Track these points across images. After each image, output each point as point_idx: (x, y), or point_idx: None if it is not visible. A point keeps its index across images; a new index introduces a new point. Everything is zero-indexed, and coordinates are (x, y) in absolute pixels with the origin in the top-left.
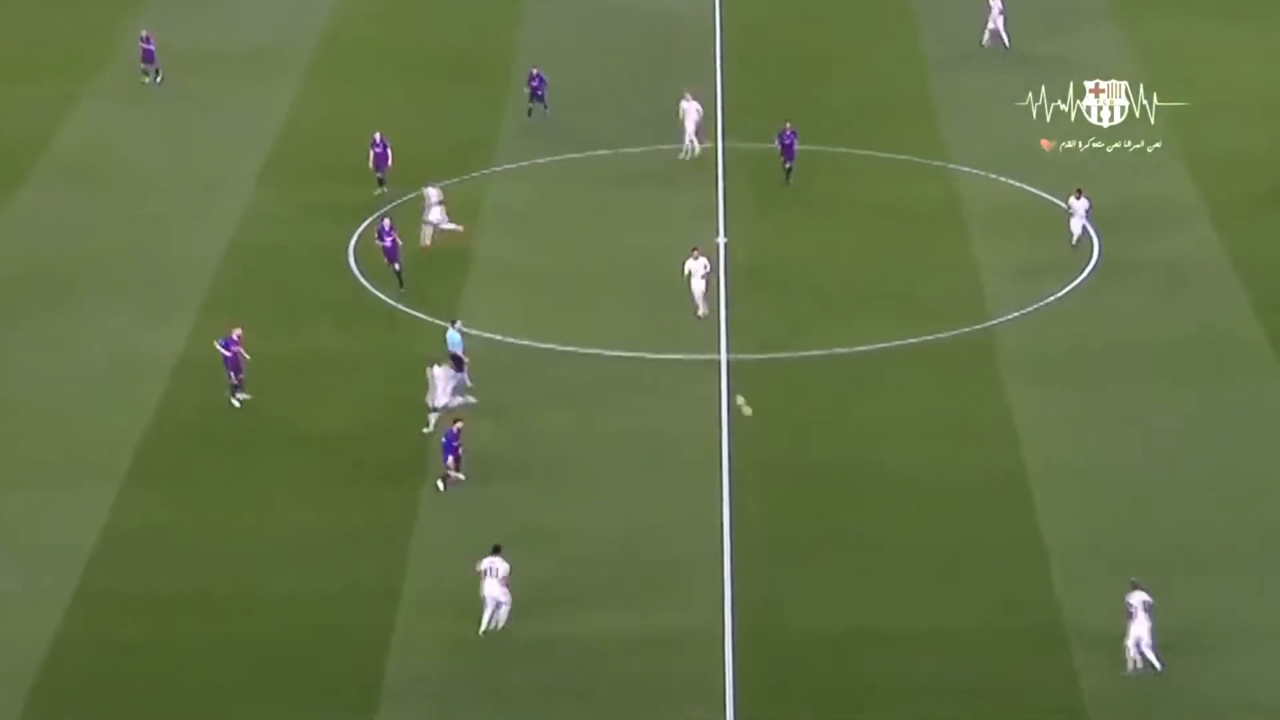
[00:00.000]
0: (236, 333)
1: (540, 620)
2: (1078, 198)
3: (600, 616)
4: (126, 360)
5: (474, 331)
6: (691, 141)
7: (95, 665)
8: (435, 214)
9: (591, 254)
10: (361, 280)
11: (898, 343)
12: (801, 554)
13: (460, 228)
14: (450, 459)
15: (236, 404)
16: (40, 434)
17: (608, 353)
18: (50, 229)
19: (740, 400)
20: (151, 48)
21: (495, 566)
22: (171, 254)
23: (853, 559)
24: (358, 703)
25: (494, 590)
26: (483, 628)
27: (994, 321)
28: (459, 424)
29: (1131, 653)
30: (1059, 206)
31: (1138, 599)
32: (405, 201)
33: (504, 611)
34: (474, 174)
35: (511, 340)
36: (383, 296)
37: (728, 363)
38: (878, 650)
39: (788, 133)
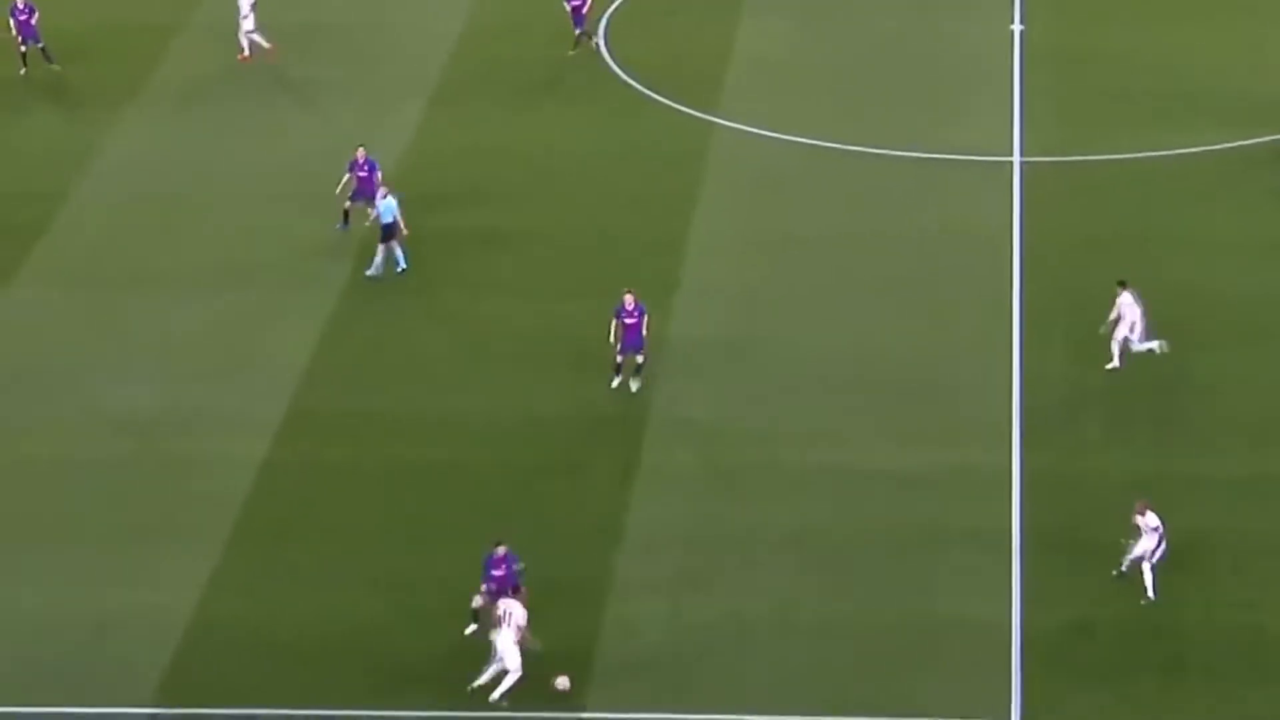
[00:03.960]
0: None
1: (804, 451)
2: None
3: (876, 451)
4: (352, 148)
5: (736, 125)
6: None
7: (302, 489)
8: (249, 24)
9: (866, 40)
10: (613, 67)
11: (1213, 147)
12: (1101, 385)
13: (269, 45)
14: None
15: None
16: (255, 236)
17: (885, 151)
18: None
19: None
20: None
21: (510, 611)
22: (400, 36)
23: (1160, 392)
24: (594, 545)
25: (505, 643)
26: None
27: None
28: (502, 547)
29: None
30: None
31: (1155, 521)
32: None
33: (506, 679)
34: None
35: (776, 136)
36: (637, 85)
37: (1021, 165)
38: (1188, 497)
39: None
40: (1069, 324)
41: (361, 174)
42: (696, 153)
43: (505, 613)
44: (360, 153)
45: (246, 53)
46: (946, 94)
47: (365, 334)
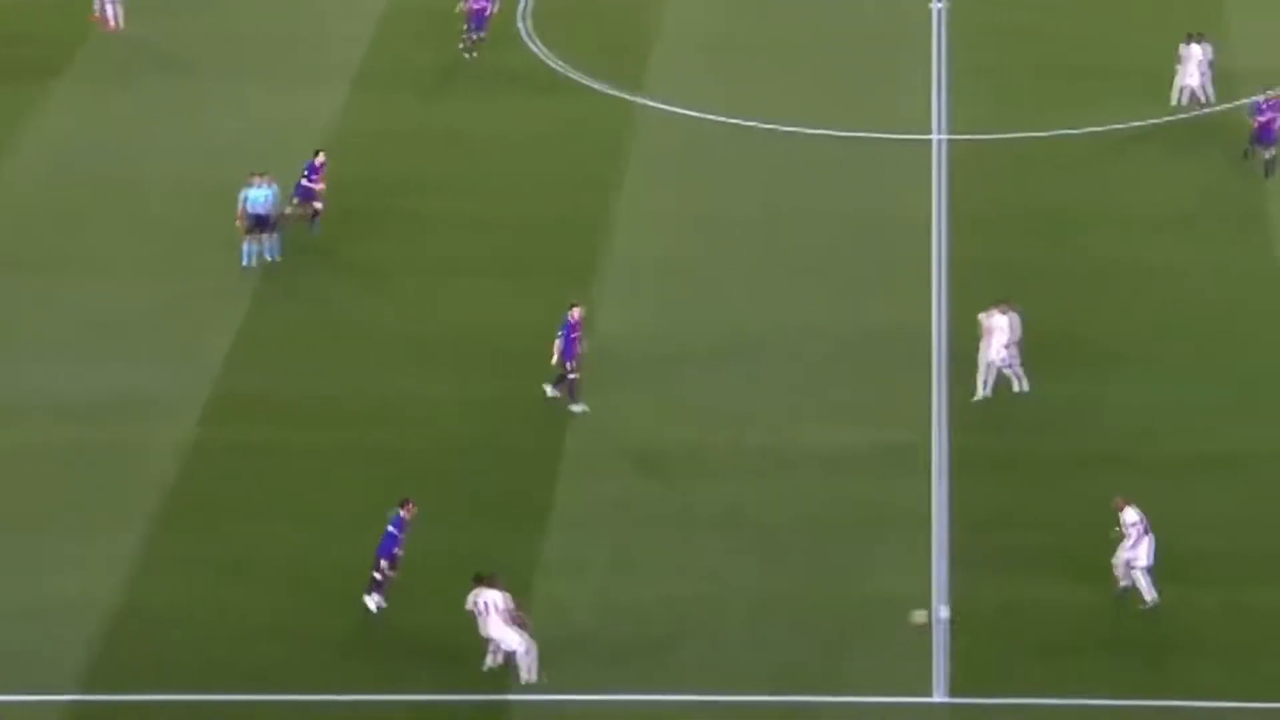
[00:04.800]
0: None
1: (731, 431)
2: (1191, 42)
3: (804, 431)
4: (269, 131)
5: (660, 105)
6: None
7: (229, 473)
8: None
9: (788, 20)
10: (534, 49)
11: (1137, 123)
12: (1032, 362)
13: (115, 24)
14: (387, 561)
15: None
16: (178, 219)
17: (808, 130)
18: None
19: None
20: None
21: (486, 601)
22: (322, 19)
23: (1085, 371)
24: (522, 526)
25: (496, 630)
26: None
27: (1249, 100)
28: (411, 507)
29: (1119, 572)
30: None
31: (1137, 515)
32: None
33: (522, 660)
34: None
35: (701, 115)
36: (557, 67)
37: (942, 143)
38: (1116, 476)
39: (1264, 105)
40: (992, 302)
41: (313, 177)
42: (620, 133)
43: (483, 604)
44: (321, 157)
45: (97, 14)
46: (869, 72)
47: (290, 317)
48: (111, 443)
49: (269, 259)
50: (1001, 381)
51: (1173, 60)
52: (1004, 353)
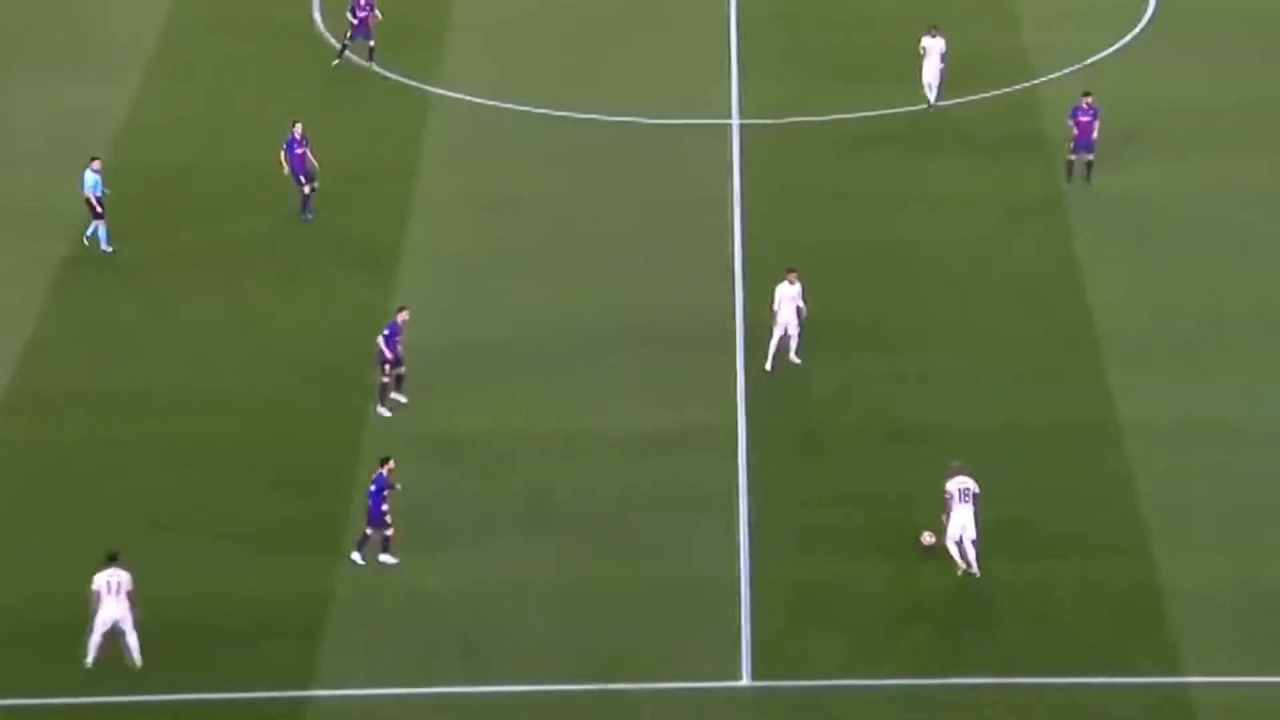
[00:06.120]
0: None
1: (533, 416)
2: (932, 35)
3: (604, 414)
4: (64, 124)
5: (455, 94)
6: None
7: (33, 470)
8: None
9: (586, 5)
10: (333, 43)
11: (921, 107)
12: (829, 341)
13: None
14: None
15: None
16: None
17: (606, 117)
18: None
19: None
20: None
21: (119, 581)
22: (107, 11)
23: (894, 350)
24: (326, 514)
25: (121, 610)
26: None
27: (1040, 80)
28: (390, 464)
29: (955, 552)
30: None
31: (955, 486)
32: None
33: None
34: None
35: (498, 104)
36: (357, 60)
37: (740, 127)
38: (921, 449)
39: (1084, 108)
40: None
41: (298, 151)
42: (416, 123)
43: (114, 583)
44: (299, 127)
45: None
46: (666, 58)
47: (87, 311)
48: None
49: (86, 245)
50: (806, 354)
51: (973, 40)
52: (795, 320)
